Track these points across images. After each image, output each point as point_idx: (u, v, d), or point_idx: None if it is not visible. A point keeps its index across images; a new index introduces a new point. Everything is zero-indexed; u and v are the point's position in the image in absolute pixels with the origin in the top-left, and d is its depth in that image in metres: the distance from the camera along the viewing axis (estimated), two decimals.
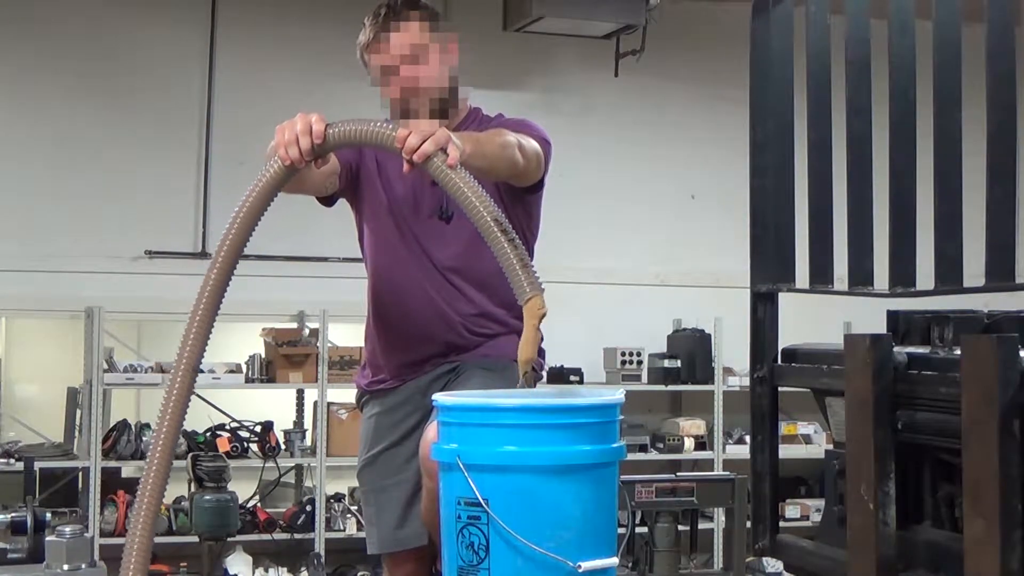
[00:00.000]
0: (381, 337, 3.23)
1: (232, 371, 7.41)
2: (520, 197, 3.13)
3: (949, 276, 2.04)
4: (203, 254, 7.53)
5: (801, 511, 7.69)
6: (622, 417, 2.45)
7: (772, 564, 5.92)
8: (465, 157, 2.56)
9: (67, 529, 2.98)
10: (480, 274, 3.10)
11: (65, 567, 2.93)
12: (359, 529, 7.12)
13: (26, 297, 7.53)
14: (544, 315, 2.50)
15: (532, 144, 3.00)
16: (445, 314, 3.13)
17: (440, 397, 2.46)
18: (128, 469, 7.23)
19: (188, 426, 7.22)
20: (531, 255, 3.23)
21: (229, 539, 5.86)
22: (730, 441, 8.08)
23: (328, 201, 3.26)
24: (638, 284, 8.39)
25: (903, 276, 2.16)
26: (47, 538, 3.09)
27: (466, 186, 2.50)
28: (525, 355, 2.53)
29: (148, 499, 2.58)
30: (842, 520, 2.16)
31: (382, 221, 3.19)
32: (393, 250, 3.17)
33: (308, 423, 7.74)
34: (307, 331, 7.58)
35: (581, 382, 7.78)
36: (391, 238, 3.17)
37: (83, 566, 2.95)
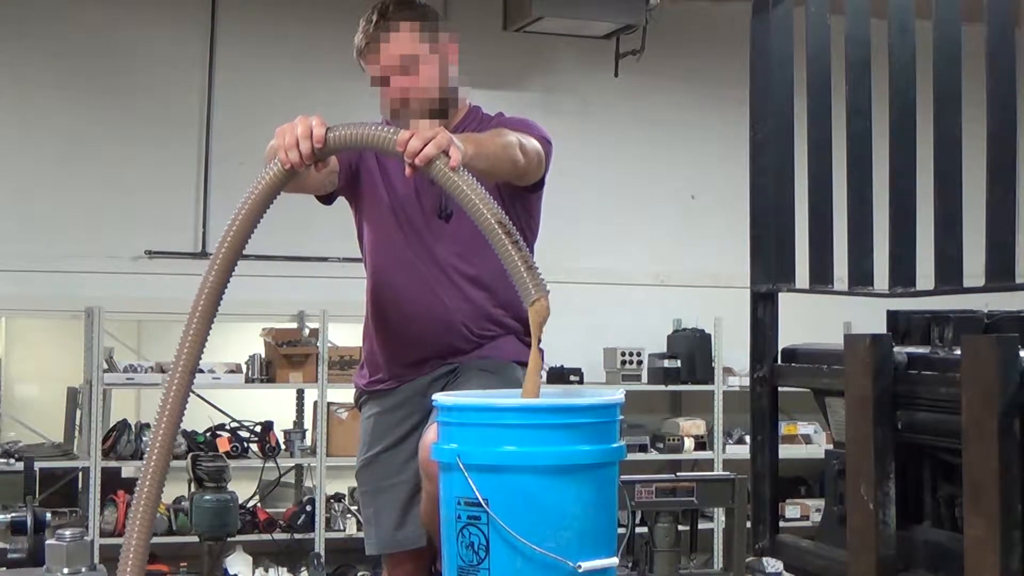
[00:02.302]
0: (380, 337, 3.22)
1: (232, 371, 7.41)
2: (520, 196, 3.12)
3: (949, 276, 2.04)
4: (203, 254, 7.53)
5: (801, 511, 7.69)
6: (622, 417, 2.45)
7: (772, 564, 5.92)
8: (467, 159, 2.56)
9: (67, 532, 2.97)
10: (480, 274, 3.09)
11: (65, 570, 2.93)
12: (359, 529, 7.11)
13: (26, 297, 7.53)
14: (547, 318, 2.49)
15: (533, 143, 2.99)
16: (447, 314, 3.12)
17: (440, 397, 2.46)
18: (128, 469, 7.23)
19: (188, 426, 7.26)
20: (531, 254, 3.23)
21: (229, 539, 5.86)
22: (730, 441, 8.08)
23: (327, 199, 3.25)
24: (638, 284, 8.39)
25: (903, 276, 2.16)
26: (47, 541, 3.09)
27: (469, 188, 2.49)
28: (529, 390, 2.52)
29: (145, 500, 2.58)
30: (842, 520, 2.16)
31: (383, 219, 3.18)
32: (395, 248, 3.16)
33: (308, 423, 7.74)
34: (307, 331, 7.58)
35: (581, 382, 7.78)
36: (393, 236, 3.16)
37: (83, 569, 2.94)
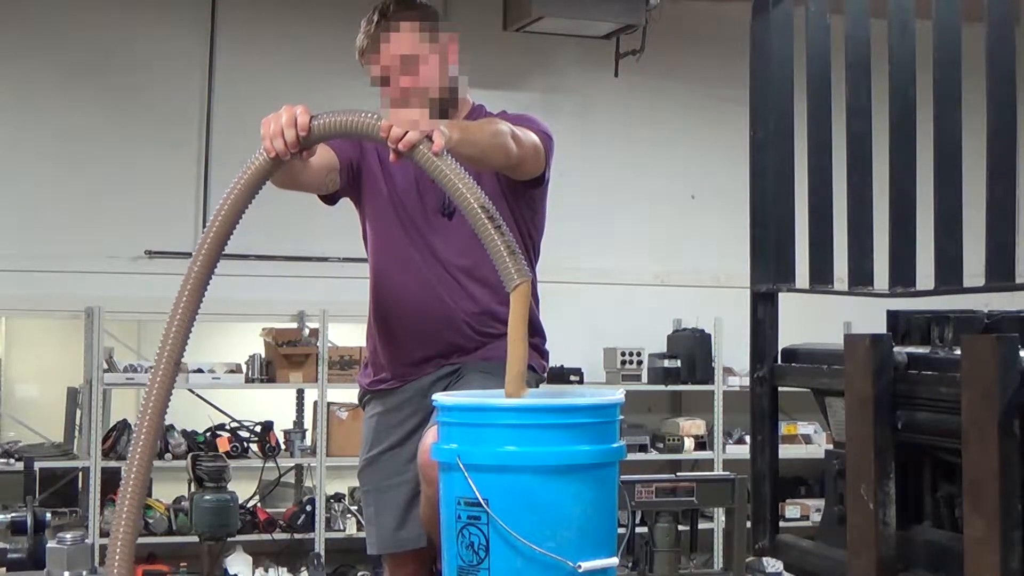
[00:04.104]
0: (383, 336, 3.22)
1: (232, 371, 7.41)
2: (523, 192, 3.11)
3: (949, 276, 2.04)
4: None
5: (801, 511, 7.69)
6: (622, 417, 2.45)
7: (772, 564, 5.92)
8: (452, 144, 2.56)
9: (68, 536, 2.98)
10: (484, 272, 3.08)
11: (66, 574, 2.94)
12: (359, 529, 7.12)
13: (26, 297, 7.53)
14: (528, 304, 2.47)
15: (529, 136, 2.98)
16: (449, 312, 3.12)
17: (440, 397, 2.46)
18: None
19: (188, 426, 7.26)
20: (537, 252, 3.22)
21: (229, 539, 5.86)
22: (730, 441, 8.08)
23: (330, 200, 3.25)
24: (638, 284, 8.39)
25: (903, 276, 2.16)
26: (48, 544, 3.10)
27: (452, 173, 2.48)
28: (515, 369, 2.48)
29: (131, 495, 2.58)
30: (842, 520, 2.16)
31: (385, 218, 3.18)
32: (397, 247, 3.16)
33: (308, 423, 7.74)
34: (307, 331, 7.58)
35: (581, 382, 7.78)
36: (395, 234, 3.16)
37: (84, 573, 2.95)
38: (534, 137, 3.00)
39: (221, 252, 2.65)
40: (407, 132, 2.49)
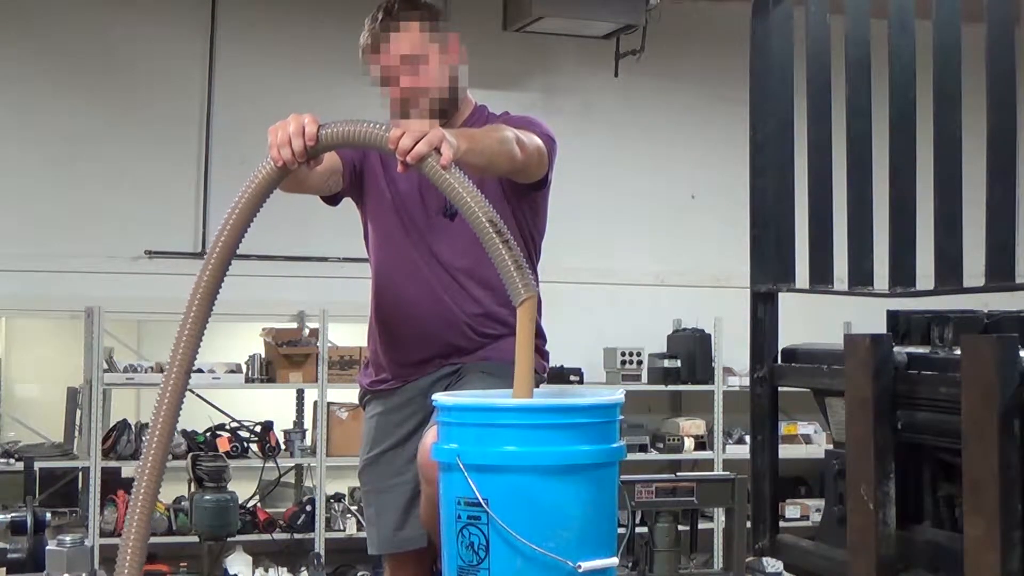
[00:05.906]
0: (383, 336, 3.22)
1: (232, 371, 7.41)
2: (525, 194, 3.12)
3: (949, 276, 2.04)
4: (203, 254, 7.46)
5: (801, 511, 7.69)
6: (622, 417, 2.45)
7: (772, 564, 5.92)
8: (460, 154, 2.56)
9: (67, 538, 2.99)
10: (484, 273, 3.08)
11: None
12: (359, 529, 7.12)
13: (26, 297, 7.53)
14: (535, 318, 2.49)
15: (533, 140, 2.98)
16: (450, 313, 3.12)
17: (440, 397, 2.46)
18: (128, 469, 7.21)
19: (188, 426, 7.26)
20: (538, 253, 3.22)
21: (229, 539, 5.87)
22: (730, 441, 8.08)
23: (332, 200, 3.25)
24: (638, 284, 8.39)
25: (903, 276, 2.16)
26: (47, 546, 3.10)
27: (461, 186, 2.49)
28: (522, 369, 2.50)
29: (143, 500, 2.59)
30: (842, 520, 2.16)
31: (387, 219, 3.18)
32: (398, 247, 3.16)
33: (308, 423, 7.74)
34: (307, 331, 7.58)
35: (581, 382, 7.78)
36: (396, 235, 3.16)
37: (83, 575, 2.96)
38: (537, 141, 3.00)
39: (231, 261, 2.65)
40: (416, 144, 2.48)
